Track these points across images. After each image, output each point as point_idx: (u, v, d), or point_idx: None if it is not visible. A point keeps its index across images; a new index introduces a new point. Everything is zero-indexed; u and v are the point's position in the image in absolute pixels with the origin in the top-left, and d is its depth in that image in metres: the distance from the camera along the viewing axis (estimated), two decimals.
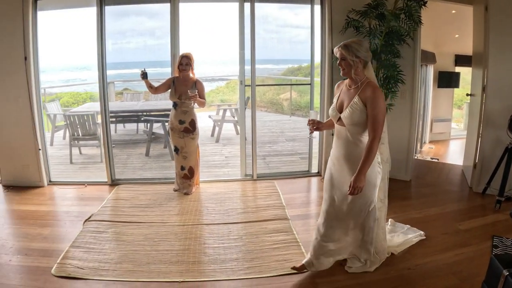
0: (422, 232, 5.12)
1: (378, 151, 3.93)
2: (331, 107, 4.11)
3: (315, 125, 4.16)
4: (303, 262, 4.36)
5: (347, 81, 3.95)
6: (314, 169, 7.83)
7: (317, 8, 7.18)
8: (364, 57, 3.71)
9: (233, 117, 11.07)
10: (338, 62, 3.81)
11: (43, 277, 4.44)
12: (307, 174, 7.81)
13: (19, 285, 4.35)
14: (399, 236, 4.97)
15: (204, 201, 6.57)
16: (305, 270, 4.37)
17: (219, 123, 10.50)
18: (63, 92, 18.56)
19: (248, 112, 7.45)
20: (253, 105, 7.22)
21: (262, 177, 7.48)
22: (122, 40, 7.02)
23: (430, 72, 11.73)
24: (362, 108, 3.69)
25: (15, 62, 7.03)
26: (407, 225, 5.27)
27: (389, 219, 5.30)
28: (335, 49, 3.83)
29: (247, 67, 7.11)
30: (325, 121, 4.53)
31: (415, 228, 5.20)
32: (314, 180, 7.59)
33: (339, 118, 3.92)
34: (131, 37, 7.24)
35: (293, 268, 4.40)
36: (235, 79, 18.28)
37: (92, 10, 6.96)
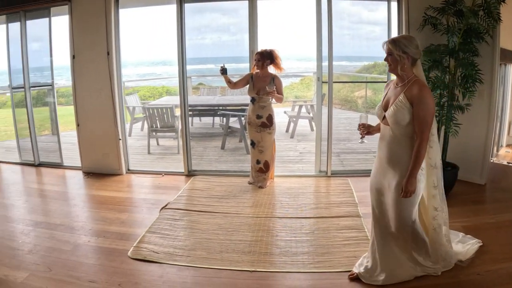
0: (479, 240, 4.76)
1: (430, 154, 3.79)
2: (377, 105, 3.96)
3: (365, 129, 4.03)
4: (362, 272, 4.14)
5: (395, 79, 3.77)
6: None
7: (394, 4, 7.06)
8: (413, 53, 3.50)
9: (308, 113, 11.02)
10: (385, 57, 3.67)
11: (120, 258, 4.64)
12: None
13: (97, 264, 4.58)
14: (457, 245, 4.60)
15: (277, 195, 6.59)
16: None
17: (294, 119, 10.47)
18: (140, 86, 19.12)
19: (324, 109, 7.42)
20: (330, 102, 7.14)
21: (336, 174, 7.38)
22: (197, 36, 7.18)
23: (509, 71, 11.27)
24: (408, 107, 3.48)
25: (99, 56, 7.41)
26: (461, 233, 4.90)
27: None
28: (383, 43, 3.66)
29: (324, 64, 7.07)
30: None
31: (470, 236, 4.84)
32: None
33: (384, 117, 3.75)
34: (205, 33, 7.40)
35: (351, 275, 4.18)
36: (309, 75, 18.16)
37: (171, 8, 7.16)
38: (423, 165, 3.70)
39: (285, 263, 4.46)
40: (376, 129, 4.03)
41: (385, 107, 3.75)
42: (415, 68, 3.59)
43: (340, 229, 5.19)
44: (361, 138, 4.10)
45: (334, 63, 7.03)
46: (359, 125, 4.05)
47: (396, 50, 3.47)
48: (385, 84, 4.08)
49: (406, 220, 3.81)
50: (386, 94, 3.85)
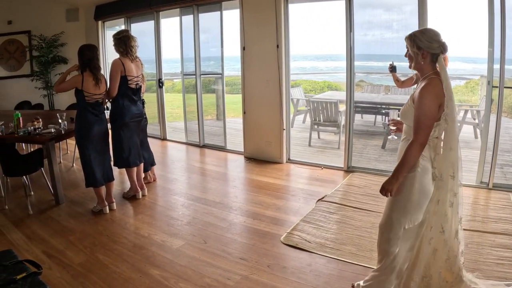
0: None
1: (434, 163, 3.20)
2: None
3: (396, 125, 3.71)
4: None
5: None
6: None
7: None
8: (430, 48, 3.11)
9: (474, 119, 10.46)
10: (405, 53, 3.32)
11: (272, 241, 4.74)
12: None
13: (249, 244, 4.73)
14: None
15: None
16: None
17: (458, 124, 9.99)
18: (301, 80, 19.35)
19: (491, 116, 7.00)
20: (499, 108, 6.68)
21: (497, 187, 6.85)
22: (359, 32, 7.08)
23: None
24: (411, 106, 3.14)
25: (268, 49, 7.64)
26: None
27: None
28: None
29: (496, 66, 6.65)
30: None
31: None
32: None
33: None
34: (367, 30, 7.26)
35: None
36: (474, 78, 17.26)
37: (339, 4, 7.11)
38: (430, 172, 3.21)
39: None
40: None
41: None
42: (438, 64, 3.18)
43: (495, 247, 4.78)
44: (390, 133, 3.83)
45: (506, 66, 6.58)
46: (389, 120, 3.81)
47: (410, 45, 3.19)
48: None
49: (397, 222, 3.28)
50: None
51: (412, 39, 3.15)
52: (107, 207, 5.75)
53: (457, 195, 3.22)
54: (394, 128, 3.72)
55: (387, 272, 3.39)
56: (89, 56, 5.40)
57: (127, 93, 5.88)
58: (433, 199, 3.22)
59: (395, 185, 3.13)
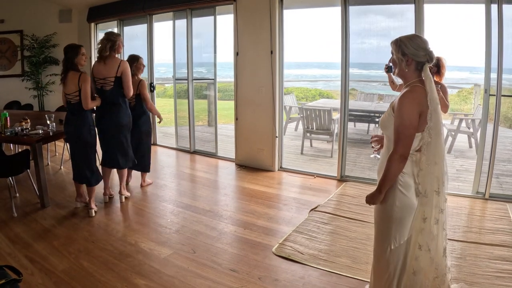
0: None
1: (417, 178, 3.04)
2: None
3: (379, 143, 3.49)
4: None
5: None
6: None
7: None
8: (416, 56, 2.97)
9: (468, 128, 10.41)
10: (390, 58, 3.24)
11: (263, 252, 4.62)
12: None
13: (240, 255, 4.61)
14: None
15: None
16: None
17: (453, 133, 9.91)
18: (293, 87, 19.40)
19: (487, 125, 6.93)
20: (496, 117, 6.63)
21: (494, 197, 6.79)
22: (356, 40, 7.03)
23: None
24: (390, 114, 3.03)
25: (262, 55, 7.57)
26: None
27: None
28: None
29: (493, 75, 6.58)
30: None
31: None
32: None
33: None
34: (364, 38, 7.19)
35: None
36: (466, 87, 17.35)
37: (334, 10, 7.06)
38: (410, 188, 3.06)
39: None
40: None
41: None
42: (423, 73, 3.03)
43: (493, 259, 4.67)
44: (374, 152, 3.59)
45: (503, 75, 6.51)
46: (372, 137, 3.59)
47: (396, 51, 3.04)
48: None
49: (382, 242, 3.22)
50: None
51: (398, 44, 3.02)
52: (93, 211, 5.70)
53: (443, 211, 3.12)
54: (378, 146, 3.51)
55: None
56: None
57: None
58: (418, 217, 3.09)
59: (379, 198, 3.06)
